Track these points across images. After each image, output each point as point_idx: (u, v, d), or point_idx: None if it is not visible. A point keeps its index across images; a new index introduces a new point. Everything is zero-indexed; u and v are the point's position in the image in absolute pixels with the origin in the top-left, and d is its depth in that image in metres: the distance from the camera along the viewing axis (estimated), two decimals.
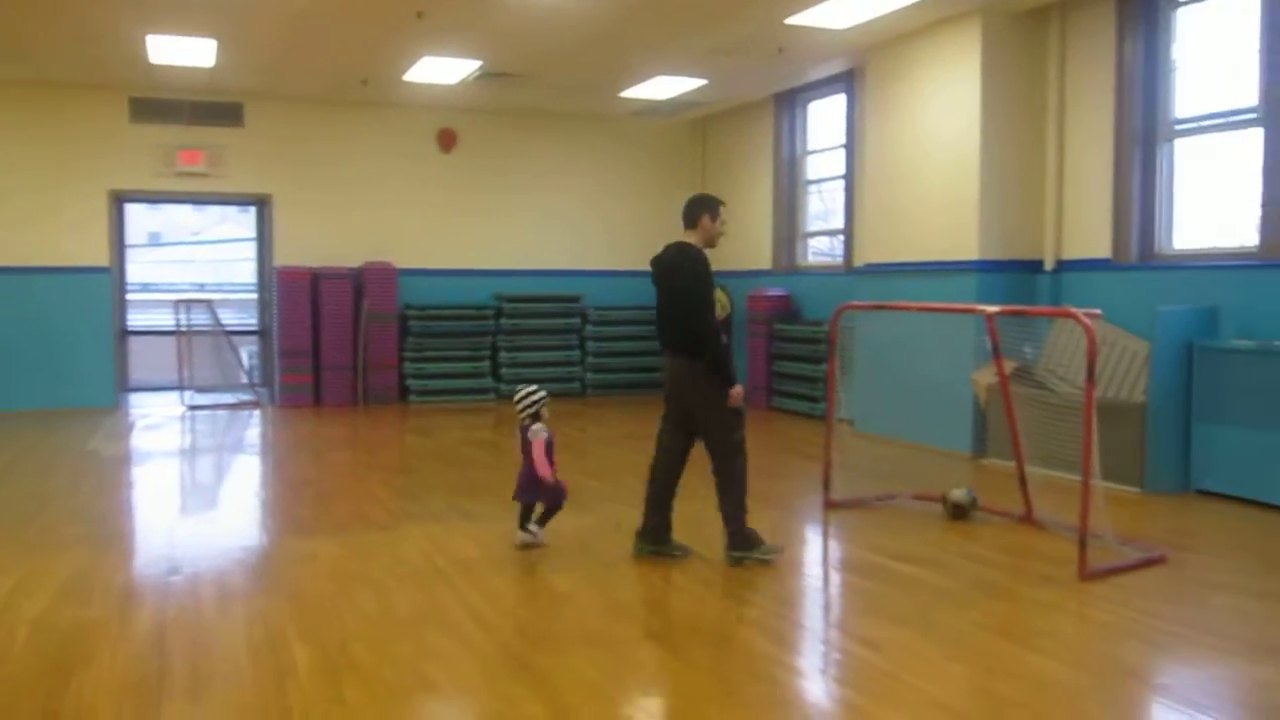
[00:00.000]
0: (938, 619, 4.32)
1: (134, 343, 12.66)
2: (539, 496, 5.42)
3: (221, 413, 11.23)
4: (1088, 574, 4.80)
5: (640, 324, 13.01)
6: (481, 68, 10.20)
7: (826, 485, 6.41)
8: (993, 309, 5.25)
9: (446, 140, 12.49)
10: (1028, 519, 5.92)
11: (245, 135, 11.76)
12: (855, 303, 6.41)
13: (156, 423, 10.45)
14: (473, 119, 12.50)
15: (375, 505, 6.54)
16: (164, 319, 12.67)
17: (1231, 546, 5.55)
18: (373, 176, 12.19)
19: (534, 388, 5.49)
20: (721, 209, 5.37)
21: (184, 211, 28.75)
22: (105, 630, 4.10)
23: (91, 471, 7.69)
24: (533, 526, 5.43)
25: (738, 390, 4.97)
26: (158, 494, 7.20)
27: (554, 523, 5.44)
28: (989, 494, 6.43)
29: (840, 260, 11.02)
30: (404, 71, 10.38)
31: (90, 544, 5.46)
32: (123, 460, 8.19)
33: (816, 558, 5.62)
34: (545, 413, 5.45)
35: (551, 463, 5.37)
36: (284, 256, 11.92)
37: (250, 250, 13.50)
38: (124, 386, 12.63)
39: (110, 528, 6.00)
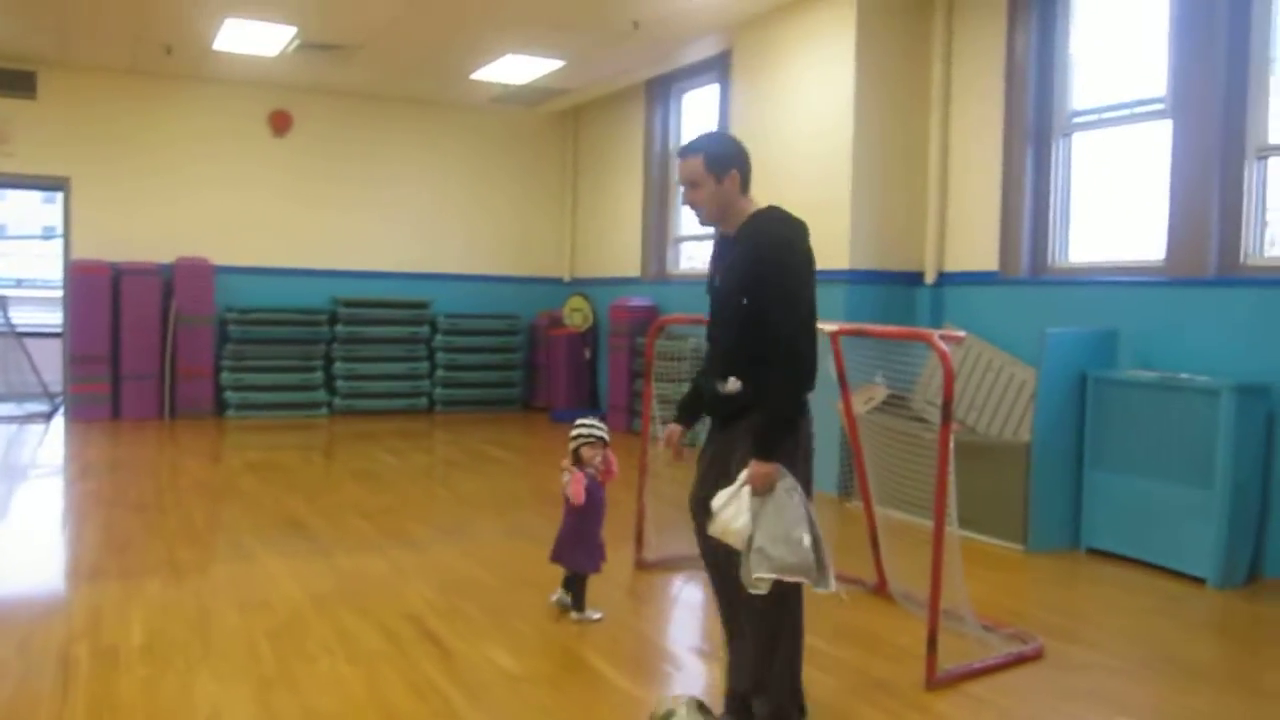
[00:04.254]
0: None
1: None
2: (566, 560, 4.39)
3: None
4: (936, 681, 3.62)
5: (497, 334, 11.74)
6: (298, 36, 8.82)
7: (639, 539, 5.17)
8: (831, 327, 4.08)
9: (280, 123, 11.03)
10: (880, 590, 4.75)
11: (39, 108, 10.16)
12: (673, 316, 5.22)
13: None
14: (311, 100, 11.07)
15: (79, 561, 5.13)
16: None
17: (1121, 633, 4.42)
18: (190, 161, 10.68)
19: (588, 421, 4.38)
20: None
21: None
22: None
23: None
24: (570, 603, 4.41)
25: (767, 470, 2.96)
26: None
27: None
28: (847, 551, 5.23)
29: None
30: (212, 39, 8.95)
31: None
32: None
33: (590, 652, 4.27)
34: (586, 453, 4.30)
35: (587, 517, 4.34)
36: (83, 249, 10.34)
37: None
38: None
39: None
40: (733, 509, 2.98)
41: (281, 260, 11.05)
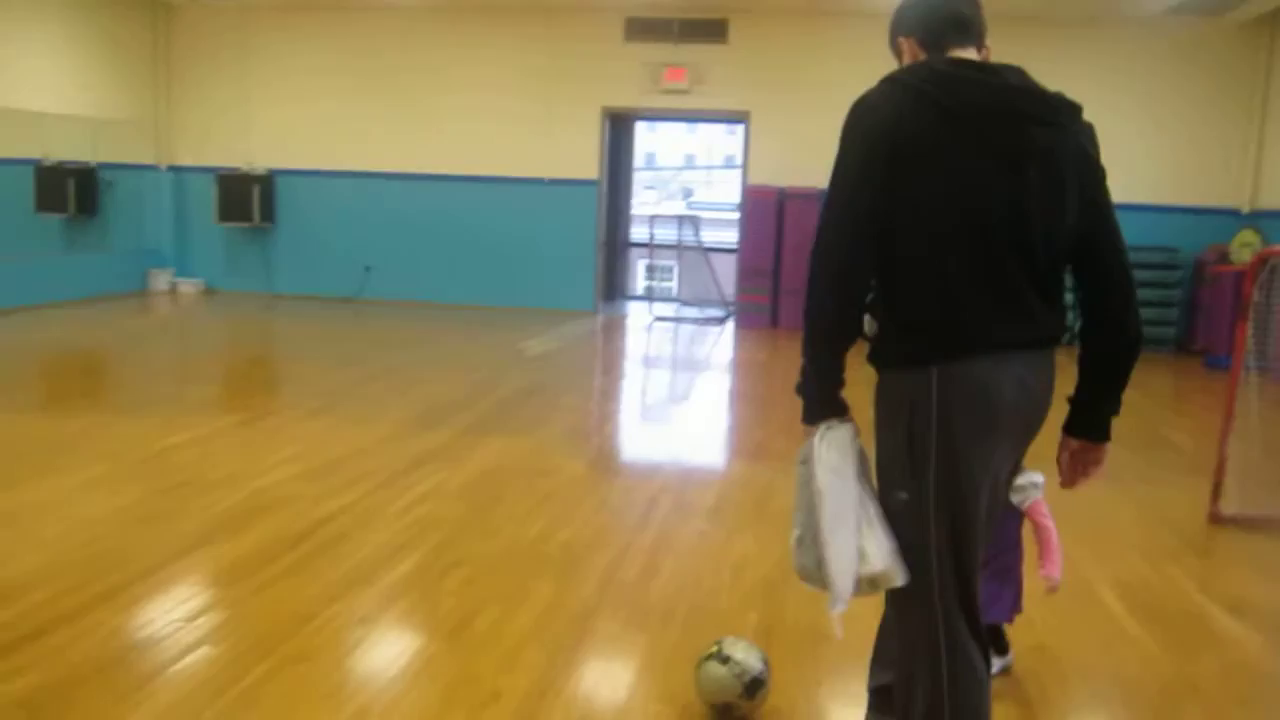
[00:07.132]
0: None
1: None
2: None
3: (684, 327, 11.46)
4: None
5: (1153, 268, 10.93)
6: None
7: (1216, 490, 4.75)
8: None
9: None
10: None
11: (728, 51, 11.65)
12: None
13: (609, 331, 10.96)
14: None
15: (694, 440, 6.15)
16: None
17: None
18: (848, 91, 11.39)
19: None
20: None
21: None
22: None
23: (485, 365, 8.19)
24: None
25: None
26: (497, 397, 7.39)
27: None
28: None
29: None
30: None
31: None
32: (530, 361, 8.58)
33: (1106, 589, 4.12)
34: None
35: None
36: (757, 175, 11.72)
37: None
38: (619, 294, 13.49)
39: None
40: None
41: None
